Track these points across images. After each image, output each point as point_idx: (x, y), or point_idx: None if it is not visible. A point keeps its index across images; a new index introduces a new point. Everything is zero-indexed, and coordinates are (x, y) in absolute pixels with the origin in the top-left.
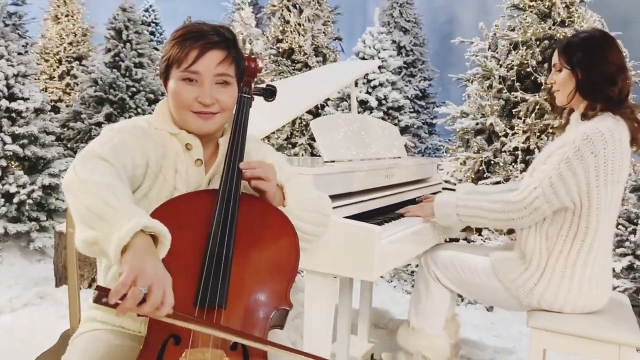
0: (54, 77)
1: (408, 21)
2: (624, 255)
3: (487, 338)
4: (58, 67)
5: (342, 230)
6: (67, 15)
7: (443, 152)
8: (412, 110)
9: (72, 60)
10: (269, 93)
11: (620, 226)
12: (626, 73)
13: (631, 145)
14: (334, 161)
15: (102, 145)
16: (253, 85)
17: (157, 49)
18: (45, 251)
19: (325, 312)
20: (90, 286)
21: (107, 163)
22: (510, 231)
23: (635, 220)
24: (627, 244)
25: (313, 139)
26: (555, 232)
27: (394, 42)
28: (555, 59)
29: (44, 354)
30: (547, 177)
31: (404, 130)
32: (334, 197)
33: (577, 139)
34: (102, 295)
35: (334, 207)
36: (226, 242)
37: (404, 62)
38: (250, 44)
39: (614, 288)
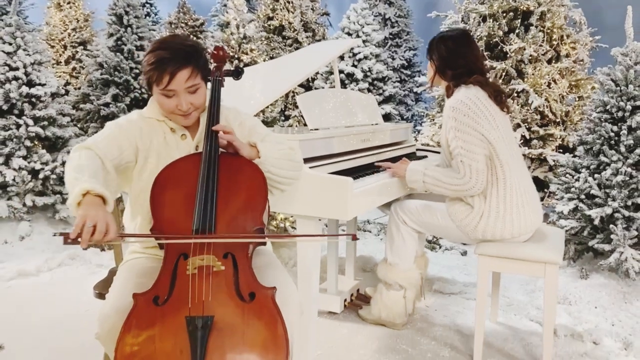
0: (61, 62)
1: None
2: (571, 199)
3: (459, 276)
4: (64, 52)
5: (325, 182)
6: (68, 3)
7: (424, 118)
8: (398, 79)
9: (76, 45)
10: (236, 73)
11: (567, 175)
12: (475, 61)
13: (500, 108)
14: (317, 129)
15: (94, 138)
16: (223, 69)
17: (153, 30)
18: (69, 221)
19: (313, 249)
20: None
21: (89, 150)
22: None
23: (580, 170)
24: (572, 189)
25: None
26: (484, 182)
27: (379, 14)
28: (426, 54)
29: (98, 283)
30: (460, 148)
31: (388, 99)
32: (319, 158)
33: (449, 114)
34: (66, 237)
35: (318, 166)
36: (211, 185)
37: (390, 34)
38: (244, 28)
39: (562, 227)
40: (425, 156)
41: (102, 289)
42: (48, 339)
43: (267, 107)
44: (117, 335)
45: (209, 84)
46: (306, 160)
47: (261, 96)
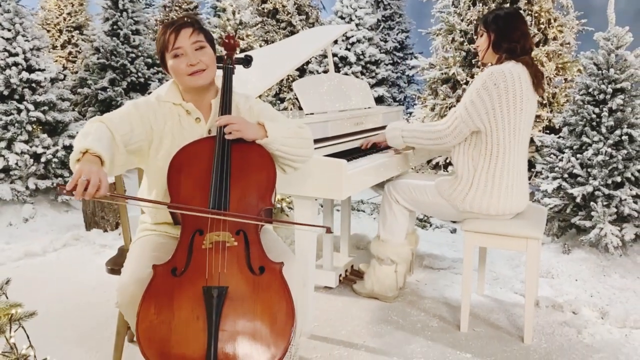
0: (57, 47)
1: None
2: (555, 178)
3: (448, 253)
4: (59, 37)
5: (320, 164)
6: None
7: (416, 100)
8: (390, 62)
9: (72, 30)
10: (246, 62)
11: (552, 155)
12: (527, 38)
13: (535, 90)
14: (313, 113)
15: (110, 113)
16: (234, 57)
17: (147, 13)
18: (71, 203)
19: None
20: (117, 227)
21: (101, 123)
22: None
23: (563, 150)
24: (556, 169)
25: None
26: (477, 154)
27: None
28: (479, 27)
29: (109, 260)
30: (462, 105)
31: (381, 82)
32: (315, 141)
33: (484, 75)
34: (62, 188)
35: (314, 149)
36: (225, 168)
37: (383, 16)
38: (239, 14)
39: (547, 205)
40: None
41: (113, 265)
42: (59, 312)
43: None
44: (137, 303)
45: (221, 71)
46: None
47: (257, 81)
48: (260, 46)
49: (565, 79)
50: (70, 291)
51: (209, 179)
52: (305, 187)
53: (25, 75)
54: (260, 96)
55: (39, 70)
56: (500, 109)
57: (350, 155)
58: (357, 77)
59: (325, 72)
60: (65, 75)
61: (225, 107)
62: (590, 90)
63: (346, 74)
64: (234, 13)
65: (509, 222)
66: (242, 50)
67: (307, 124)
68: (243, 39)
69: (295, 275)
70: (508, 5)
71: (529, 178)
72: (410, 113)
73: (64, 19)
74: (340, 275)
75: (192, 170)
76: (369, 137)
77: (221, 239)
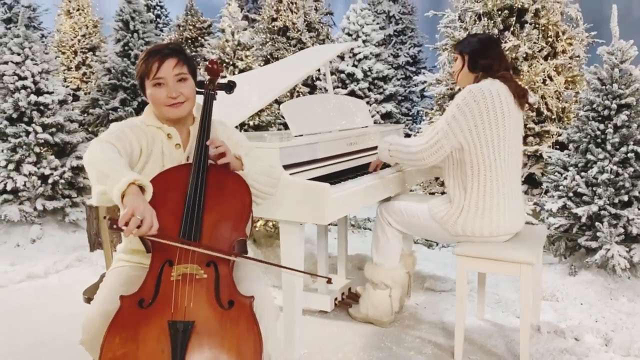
0: (72, 68)
1: None
2: (560, 197)
3: (452, 274)
4: (74, 58)
5: (303, 188)
6: (78, 10)
7: (423, 116)
8: (403, 76)
9: (86, 51)
10: (229, 87)
11: (556, 173)
12: (503, 58)
13: (519, 104)
14: (302, 135)
15: (109, 134)
16: (216, 83)
17: (162, 31)
18: (78, 223)
19: (296, 251)
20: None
21: (111, 145)
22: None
23: (568, 168)
24: (561, 187)
25: None
26: (464, 175)
27: (383, 12)
28: (453, 52)
29: (88, 288)
30: (444, 120)
31: (389, 98)
32: (302, 164)
33: (463, 94)
34: (113, 223)
35: (301, 172)
36: (198, 196)
37: (395, 31)
38: (238, 34)
39: (550, 226)
40: None
41: (91, 294)
42: (53, 334)
43: (263, 110)
44: (101, 339)
45: (202, 97)
46: (288, 167)
47: (257, 101)
48: (260, 66)
49: (577, 93)
50: (66, 314)
51: (184, 204)
52: (289, 212)
53: (33, 98)
54: (259, 115)
55: (47, 93)
56: (483, 127)
57: (339, 177)
58: (364, 93)
59: (334, 88)
60: (78, 97)
61: (204, 134)
62: (595, 106)
63: (353, 90)
64: (232, 34)
65: (502, 246)
66: (241, 71)
67: (292, 146)
68: (242, 59)
69: (268, 309)
70: (514, 19)
71: (538, 195)
72: (419, 128)
73: (79, 41)
74: (335, 298)
75: (166, 198)
76: (370, 160)
77: (189, 271)
